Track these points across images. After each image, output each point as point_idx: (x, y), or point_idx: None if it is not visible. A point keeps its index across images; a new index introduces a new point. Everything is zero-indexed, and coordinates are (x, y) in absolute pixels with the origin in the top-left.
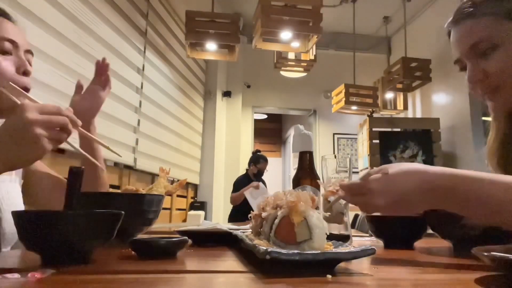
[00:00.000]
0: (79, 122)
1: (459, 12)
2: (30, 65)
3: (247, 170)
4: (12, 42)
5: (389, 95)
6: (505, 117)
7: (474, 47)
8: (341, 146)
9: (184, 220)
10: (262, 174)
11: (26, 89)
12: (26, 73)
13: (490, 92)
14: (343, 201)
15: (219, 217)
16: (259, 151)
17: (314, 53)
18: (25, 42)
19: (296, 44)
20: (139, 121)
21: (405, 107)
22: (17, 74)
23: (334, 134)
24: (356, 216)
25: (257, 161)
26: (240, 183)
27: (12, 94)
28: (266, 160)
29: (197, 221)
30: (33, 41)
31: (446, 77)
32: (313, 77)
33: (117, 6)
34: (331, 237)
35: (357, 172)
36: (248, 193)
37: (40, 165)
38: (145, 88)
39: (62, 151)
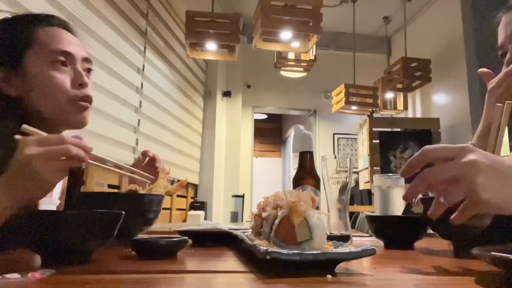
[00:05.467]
0: (89, 147)
1: None
2: (89, 74)
3: None
4: (67, 53)
5: (389, 95)
6: None
7: None
8: (341, 146)
9: (184, 220)
10: None
11: (87, 99)
12: (83, 85)
13: None
14: None
15: (219, 217)
16: None
17: (314, 53)
18: (81, 51)
19: (296, 44)
20: (139, 121)
21: (405, 107)
22: (73, 88)
23: (334, 134)
24: (356, 216)
25: None
26: None
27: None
28: None
29: (197, 221)
30: None
31: (446, 77)
32: (313, 77)
33: (117, 6)
34: (331, 237)
35: (357, 172)
36: None
37: None
38: (145, 88)
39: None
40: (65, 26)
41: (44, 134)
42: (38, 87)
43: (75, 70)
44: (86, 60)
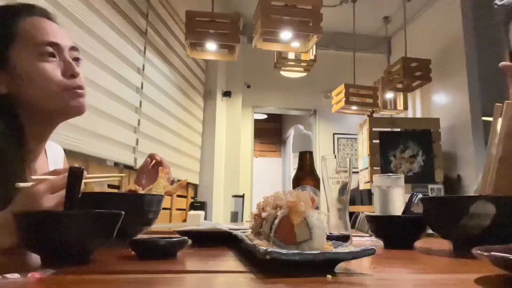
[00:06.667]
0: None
1: None
2: (77, 63)
3: None
4: (54, 44)
5: (389, 95)
6: None
7: None
8: (341, 146)
9: (184, 220)
10: None
11: (80, 88)
12: (74, 76)
13: None
14: None
15: (219, 217)
16: None
17: (314, 53)
18: (67, 40)
19: (296, 44)
20: (139, 121)
21: (405, 107)
22: (64, 79)
23: (334, 134)
24: (356, 216)
25: None
26: None
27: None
28: None
29: (197, 221)
30: None
31: (446, 77)
32: (313, 77)
33: (117, 6)
34: (331, 237)
35: (357, 172)
36: None
37: None
38: (145, 88)
39: None
40: (46, 15)
41: (48, 177)
42: (28, 81)
43: (64, 60)
44: (73, 48)
